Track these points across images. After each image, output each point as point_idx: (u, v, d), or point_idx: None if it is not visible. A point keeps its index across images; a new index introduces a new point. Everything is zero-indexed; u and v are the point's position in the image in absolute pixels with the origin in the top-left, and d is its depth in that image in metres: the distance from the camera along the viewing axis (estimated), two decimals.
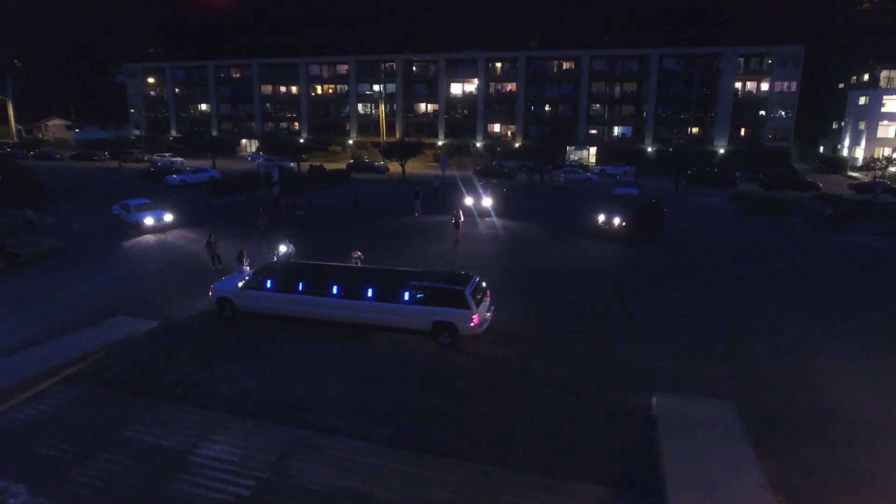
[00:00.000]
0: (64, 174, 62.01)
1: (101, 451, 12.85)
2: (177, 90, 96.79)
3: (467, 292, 17.61)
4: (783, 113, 70.43)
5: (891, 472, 12.18)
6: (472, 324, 17.50)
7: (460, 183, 46.48)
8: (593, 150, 77.45)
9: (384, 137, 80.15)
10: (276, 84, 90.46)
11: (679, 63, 72.86)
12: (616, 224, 30.71)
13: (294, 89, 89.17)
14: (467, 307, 17.44)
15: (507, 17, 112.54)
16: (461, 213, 31.94)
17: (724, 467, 11.92)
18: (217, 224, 34.74)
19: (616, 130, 76.92)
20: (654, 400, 14.73)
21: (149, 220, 32.45)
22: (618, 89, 75.73)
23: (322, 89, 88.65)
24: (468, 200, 37.96)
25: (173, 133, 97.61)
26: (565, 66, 77.11)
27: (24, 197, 26.91)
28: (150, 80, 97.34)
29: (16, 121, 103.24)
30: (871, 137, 67.57)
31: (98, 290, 23.67)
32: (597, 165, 71.28)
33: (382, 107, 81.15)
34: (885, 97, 66.12)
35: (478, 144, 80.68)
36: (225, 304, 20.03)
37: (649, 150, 73.97)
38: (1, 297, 22.90)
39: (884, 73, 67.20)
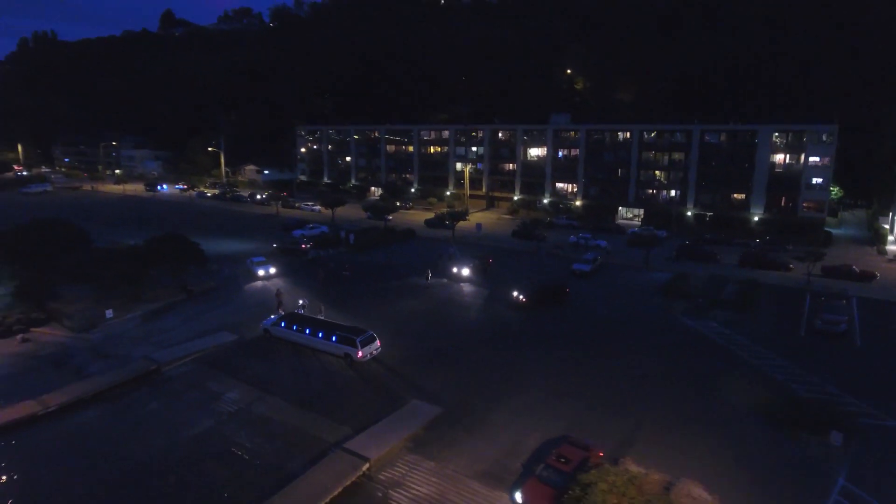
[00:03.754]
0: (241, 219, 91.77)
1: (195, 391, 34.19)
2: (329, 146, 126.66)
3: (357, 340, 36.43)
4: (818, 186, 74.68)
5: (475, 446, 28.27)
6: (359, 356, 36.26)
7: (457, 253, 63.96)
8: (642, 210, 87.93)
9: (468, 192, 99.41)
10: (397, 144, 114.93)
11: (719, 137, 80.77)
12: (521, 299, 46.29)
13: (410, 149, 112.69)
14: (356, 347, 36.24)
15: (573, 96, 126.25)
16: (430, 272, 50.83)
17: (398, 427, 29.24)
18: (299, 275, 57.24)
19: (662, 194, 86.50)
20: (410, 402, 32.13)
21: (261, 272, 55.89)
22: (666, 158, 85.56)
23: (430, 150, 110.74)
24: (455, 269, 55.55)
25: (325, 179, 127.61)
26: (621, 136, 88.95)
27: (191, 258, 51.46)
28: (311, 139, 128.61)
29: (225, 165, 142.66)
30: None
31: (223, 315, 46.53)
32: (631, 228, 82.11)
33: (467, 168, 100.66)
34: None
35: (545, 201, 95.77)
36: (266, 332, 41.20)
37: (689, 213, 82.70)
38: (182, 315, 46.80)
39: None
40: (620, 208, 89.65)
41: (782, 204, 77.88)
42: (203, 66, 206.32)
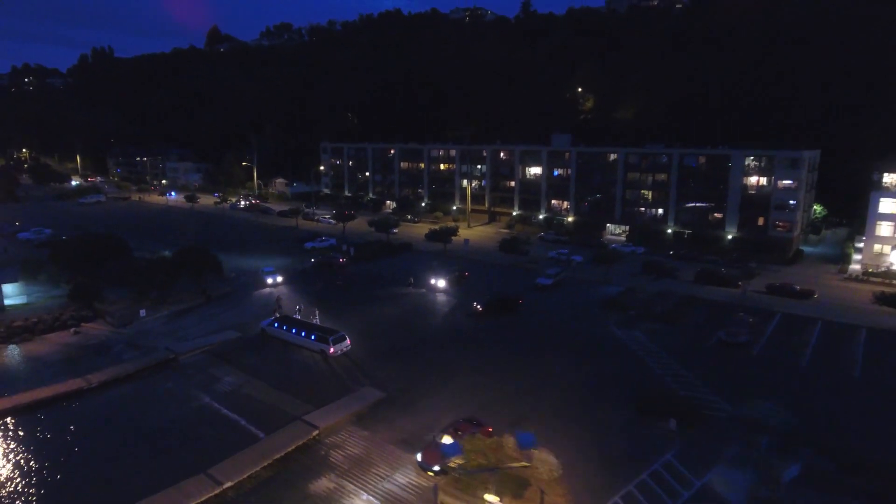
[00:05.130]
0: (264, 231, 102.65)
1: (201, 375, 43.85)
2: (350, 163, 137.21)
3: (330, 339, 45.45)
4: (787, 207, 79.68)
5: (403, 422, 36.75)
6: (331, 352, 45.25)
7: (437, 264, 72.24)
8: (627, 227, 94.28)
9: (469, 207, 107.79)
10: (409, 161, 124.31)
11: (696, 160, 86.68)
12: (478, 308, 54.30)
13: (421, 165, 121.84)
14: (329, 345, 45.25)
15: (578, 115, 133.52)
16: (412, 279, 59.85)
17: (348, 406, 37.98)
18: (301, 282, 66.69)
19: (648, 212, 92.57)
20: (362, 387, 40.84)
21: (269, 280, 65.69)
22: (649, 179, 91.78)
23: (439, 167, 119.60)
24: (432, 280, 63.97)
25: (346, 192, 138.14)
26: (611, 157, 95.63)
27: (210, 267, 61.80)
28: (334, 155, 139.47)
29: (257, 178, 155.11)
30: (871, 234, 73.77)
31: (232, 316, 56.32)
32: (612, 244, 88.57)
33: (469, 185, 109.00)
34: (881, 199, 72.22)
35: (540, 216, 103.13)
36: (263, 331, 50.67)
37: (669, 231, 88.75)
38: (200, 315, 56.83)
39: (885, 177, 73.05)
40: (608, 225, 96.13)
41: (759, 223, 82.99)
42: (242, 83, 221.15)
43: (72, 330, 51.72)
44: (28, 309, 56.28)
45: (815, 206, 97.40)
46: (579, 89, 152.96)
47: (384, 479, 30.92)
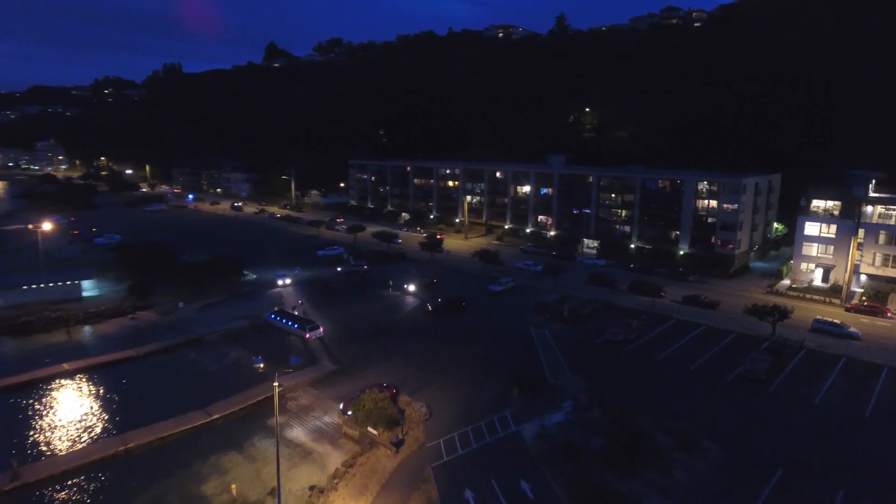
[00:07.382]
0: (290, 238, 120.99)
1: (216, 350, 61.05)
2: (372, 178, 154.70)
3: (307, 327, 61.85)
4: (729, 227, 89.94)
5: (343, 385, 52.43)
6: (307, 337, 61.59)
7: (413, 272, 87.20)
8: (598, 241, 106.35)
9: (467, 220, 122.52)
10: (421, 178, 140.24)
11: (656, 183, 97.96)
12: (429, 308, 69.08)
13: (431, 181, 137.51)
14: (306, 332, 61.60)
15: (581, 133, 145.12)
16: (391, 282, 75.19)
17: (309, 373, 54.02)
18: (306, 286, 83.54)
19: (616, 229, 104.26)
20: (321, 361, 56.72)
21: (280, 281, 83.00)
22: (619, 199, 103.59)
23: (448, 184, 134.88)
24: (405, 285, 79.22)
25: (369, 204, 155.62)
26: (586, 179, 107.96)
27: (234, 270, 79.51)
28: (359, 171, 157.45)
29: (295, 189, 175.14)
30: (798, 254, 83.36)
31: (247, 309, 73.58)
32: (579, 257, 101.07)
33: (466, 200, 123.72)
34: (806, 222, 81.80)
35: (528, 230, 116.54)
36: (266, 321, 67.63)
37: (632, 246, 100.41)
38: (223, 308, 74.47)
39: (813, 203, 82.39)
40: (584, 239, 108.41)
41: (711, 241, 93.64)
42: (290, 99, 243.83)
43: (129, 316, 70.29)
44: (99, 299, 75.63)
45: (776, 225, 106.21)
46: (587, 109, 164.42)
47: (316, 419, 46.69)
